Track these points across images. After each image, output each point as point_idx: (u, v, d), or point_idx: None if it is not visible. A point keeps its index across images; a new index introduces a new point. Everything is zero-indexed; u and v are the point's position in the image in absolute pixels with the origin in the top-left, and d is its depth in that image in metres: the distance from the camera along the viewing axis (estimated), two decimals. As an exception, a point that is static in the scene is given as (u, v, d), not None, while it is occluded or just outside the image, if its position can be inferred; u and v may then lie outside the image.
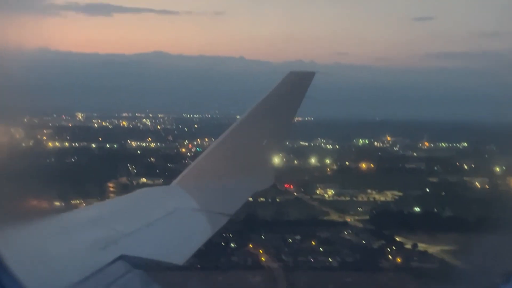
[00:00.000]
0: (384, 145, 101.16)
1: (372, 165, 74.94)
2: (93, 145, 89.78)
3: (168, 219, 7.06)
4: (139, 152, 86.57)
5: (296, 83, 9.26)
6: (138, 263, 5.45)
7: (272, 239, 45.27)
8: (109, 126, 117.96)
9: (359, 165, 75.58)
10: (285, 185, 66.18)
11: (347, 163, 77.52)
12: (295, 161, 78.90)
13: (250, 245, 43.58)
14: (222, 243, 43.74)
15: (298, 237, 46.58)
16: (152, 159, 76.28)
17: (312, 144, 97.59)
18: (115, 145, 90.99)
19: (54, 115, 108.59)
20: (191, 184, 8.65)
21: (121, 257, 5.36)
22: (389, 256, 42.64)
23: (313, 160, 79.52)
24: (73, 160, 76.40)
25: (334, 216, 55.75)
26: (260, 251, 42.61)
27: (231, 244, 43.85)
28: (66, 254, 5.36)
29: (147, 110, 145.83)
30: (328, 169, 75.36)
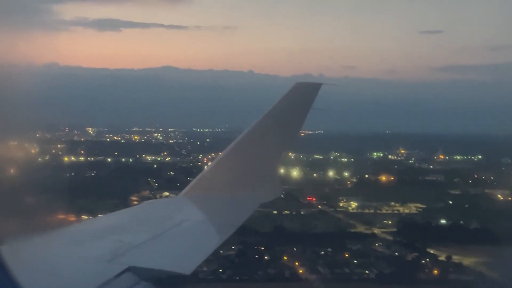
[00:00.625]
0: (399, 158, 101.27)
1: (392, 178, 74.86)
2: (109, 160, 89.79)
3: (175, 231, 7.01)
4: (155, 166, 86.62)
5: (303, 94, 9.22)
6: (145, 275, 5.42)
7: (304, 252, 45.02)
8: (122, 141, 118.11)
9: (379, 177, 75.57)
10: (308, 198, 66.25)
11: (366, 176, 77.46)
12: (314, 174, 79.08)
13: (285, 258, 43.38)
14: (256, 256, 43.67)
15: (329, 249, 46.35)
16: (171, 173, 76.19)
17: (326, 157, 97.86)
18: (131, 160, 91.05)
19: (66, 130, 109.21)
20: (198, 195, 8.63)
21: (129, 269, 5.33)
22: (425, 268, 42.42)
23: (331, 173, 79.62)
24: (92, 174, 76.53)
25: (361, 229, 55.50)
26: (296, 263, 42.41)
27: (265, 257, 43.65)
28: (74, 266, 5.37)
29: (158, 125, 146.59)
30: (348, 182, 75.36)
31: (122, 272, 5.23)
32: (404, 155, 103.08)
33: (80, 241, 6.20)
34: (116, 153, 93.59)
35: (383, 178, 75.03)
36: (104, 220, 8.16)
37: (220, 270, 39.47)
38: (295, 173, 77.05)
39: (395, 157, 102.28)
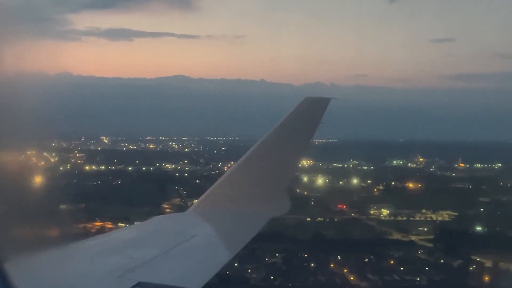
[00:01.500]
0: (419, 166, 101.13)
1: (419, 185, 74.65)
2: (130, 168, 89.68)
3: (185, 246, 6.99)
4: (177, 174, 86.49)
5: (311, 109, 9.18)
6: None
7: (348, 259, 44.79)
8: (138, 150, 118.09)
9: (405, 185, 75.40)
10: (338, 206, 66.08)
11: (393, 183, 77.31)
12: (341, 182, 78.97)
13: (332, 265, 43.16)
14: (303, 263, 43.46)
15: (371, 256, 46.11)
16: (197, 181, 76.08)
17: (346, 166, 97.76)
18: (151, 168, 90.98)
19: (82, 139, 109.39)
20: (208, 210, 8.63)
21: (138, 285, 5.33)
22: (475, 275, 42.13)
23: (355, 181, 79.46)
24: (119, 182, 76.49)
25: (398, 236, 55.25)
26: (345, 270, 42.18)
27: (311, 264, 43.43)
28: (83, 281, 5.38)
29: (171, 133, 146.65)
30: (375, 190, 75.09)
31: None
32: (423, 163, 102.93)
33: (90, 256, 6.21)
34: (137, 161, 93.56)
35: (410, 185, 74.85)
36: (114, 235, 8.03)
37: (272, 277, 39.25)
38: (320, 181, 77.07)
39: (415, 165, 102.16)
